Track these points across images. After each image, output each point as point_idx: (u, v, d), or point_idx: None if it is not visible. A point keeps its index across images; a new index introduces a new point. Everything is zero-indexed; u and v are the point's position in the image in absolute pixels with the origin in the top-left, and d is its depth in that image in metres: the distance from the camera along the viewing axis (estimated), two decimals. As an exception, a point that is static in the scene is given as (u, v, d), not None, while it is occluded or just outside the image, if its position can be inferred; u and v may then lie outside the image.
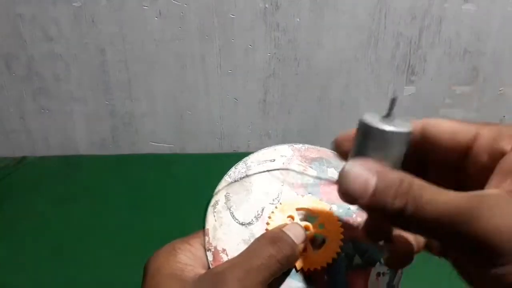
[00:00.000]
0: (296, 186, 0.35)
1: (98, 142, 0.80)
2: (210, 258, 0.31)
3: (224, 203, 0.34)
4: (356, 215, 0.33)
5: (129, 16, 0.69)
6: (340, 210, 0.33)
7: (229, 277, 0.26)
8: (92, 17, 0.69)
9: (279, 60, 0.72)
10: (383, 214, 0.21)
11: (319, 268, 0.30)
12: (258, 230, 0.32)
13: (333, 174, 0.36)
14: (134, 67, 0.73)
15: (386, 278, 0.31)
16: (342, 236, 0.31)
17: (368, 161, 0.22)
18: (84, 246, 0.53)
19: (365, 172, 0.21)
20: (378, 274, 0.31)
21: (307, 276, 0.30)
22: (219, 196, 0.35)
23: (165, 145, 0.80)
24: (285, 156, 0.37)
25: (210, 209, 0.34)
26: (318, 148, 0.38)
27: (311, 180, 0.35)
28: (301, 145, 0.39)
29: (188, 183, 0.68)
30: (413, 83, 0.73)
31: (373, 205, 0.21)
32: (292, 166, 0.36)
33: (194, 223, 0.60)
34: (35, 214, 0.61)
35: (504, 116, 0.76)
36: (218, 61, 0.72)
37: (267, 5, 0.68)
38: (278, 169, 0.36)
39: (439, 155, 0.23)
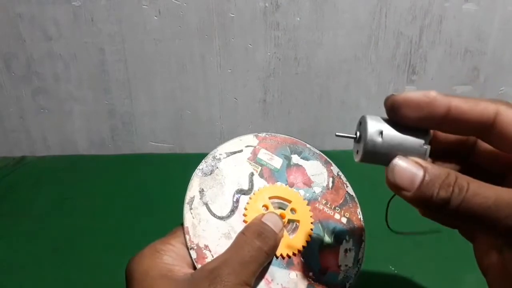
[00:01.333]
0: (265, 175, 0.37)
1: (97, 142, 0.80)
2: (194, 256, 0.31)
3: (200, 198, 0.35)
4: (321, 198, 0.36)
5: (128, 15, 0.69)
6: (307, 195, 0.36)
7: (225, 272, 0.27)
8: (91, 16, 0.69)
9: (279, 59, 0.71)
10: (428, 205, 0.22)
11: (296, 252, 0.33)
12: (236, 222, 0.34)
13: (297, 160, 0.38)
14: (133, 66, 0.73)
15: (352, 253, 0.34)
16: (312, 219, 0.34)
17: (415, 158, 0.23)
18: (84, 246, 0.53)
19: (413, 166, 0.23)
20: (346, 251, 0.34)
21: (287, 261, 0.33)
22: (194, 192, 0.36)
23: (164, 144, 0.80)
24: (252, 146, 0.39)
25: (186, 206, 0.35)
26: (282, 135, 0.41)
27: (278, 168, 0.38)
28: (265, 133, 0.42)
29: (188, 183, 0.68)
30: (414, 82, 0.73)
31: (419, 197, 0.22)
32: (259, 155, 0.38)
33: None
34: (35, 214, 0.61)
35: (504, 116, 0.76)
36: (218, 60, 0.72)
37: (267, 4, 0.68)
38: (247, 160, 0.38)
39: (464, 132, 0.24)
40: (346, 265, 0.34)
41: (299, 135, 0.78)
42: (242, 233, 0.30)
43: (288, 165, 0.39)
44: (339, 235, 0.35)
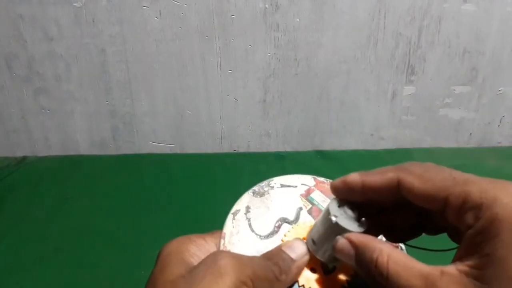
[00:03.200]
0: (314, 213, 0.37)
1: (98, 142, 0.80)
2: None
3: (244, 213, 0.36)
4: None
5: (129, 16, 0.69)
6: None
7: (230, 267, 0.26)
8: (92, 17, 0.70)
9: (279, 60, 0.72)
10: (367, 279, 0.25)
11: None
12: (272, 244, 0.33)
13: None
14: (134, 67, 0.73)
15: None
16: (353, 269, 0.32)
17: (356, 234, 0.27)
18: (84, 245, 0.53)
19: (347, 246, 0.27)
20: None
21: None
22: (240, 206, 0.37)
23: (165, 145, 0.80)
24: (307, 185, 0.40)
25: (230, 215, 0.35)
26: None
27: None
28: (323, 178, 0.42)
29: (188, 182, 0.68)
30: (413, 83, 0.73)
31: (360, 272, 0.26)
32: (312, 195, 0.39)
33: (194, 222, 0.60)
34: (36, 214, 0.61)
35: (503, 116, 0.76)
36: (218, 61, 0.72)
37: (267, 5, 0.68)
38: (299, 195, 0.38)
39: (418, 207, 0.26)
40: None
41: (299, 135, 0.79)
42: (262, 257, 0.30)
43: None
44: None
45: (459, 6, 0.68)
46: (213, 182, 0.68)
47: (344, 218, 0.28)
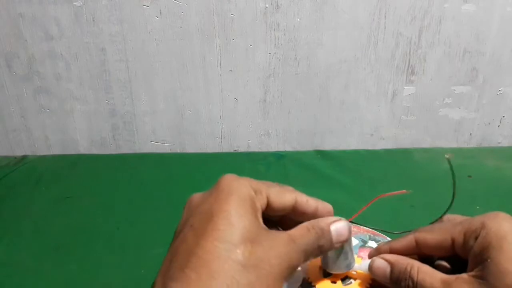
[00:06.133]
0: None
1: (98, 141, 0.80)
2: None
3: None
4: None
5: (129, 15, 0.69)
6: None
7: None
8: (92, 16, 0.70)
9: (279, 59, 0.72)
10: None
11: None
12: None
13: (373, 244, 0.43)
14: (134, 66, 0.73)
15: None
16: (369, 283, 0.36)
17: (378, 251, 0.35)
18: (84, 245, 0.53)
19: (383, 264, 0.33)
20: None
21: None
22: None
23: (165, 144, 0.80)
24: None
25: None
26: (366, 227, 0.47)
27: (355, 243, 0.43)
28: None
29: (188, 182, 0.68)
30: (413, 83, 0.73)
31: (392, 285, 0.32)
32: None
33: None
34: (35, 213, 0.61)
35: (503, 116, 0.76)
36: (219, 60, 0.72)
37: (267, 5, 0.68)
38: None
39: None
40: None
41: (299, 135, 0.79)
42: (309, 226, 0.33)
43: (363, 246, 0.43)
44: None
45: (459, 6, 0.68)
46: (213, 182, 0.68)
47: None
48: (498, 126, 0.77)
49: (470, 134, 0.78)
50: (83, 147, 0.80)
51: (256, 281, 0.26)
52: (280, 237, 0.29)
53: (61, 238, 0.55)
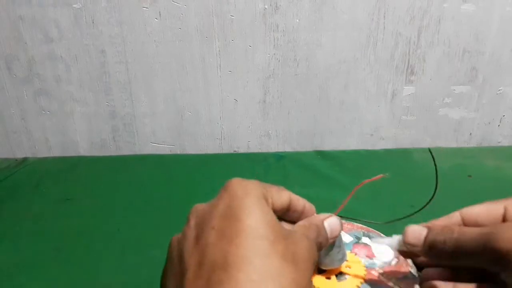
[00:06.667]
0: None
1: (98, 143, 0.80)
2: None
3: None
4: (379, 268, 0.40)
5: (129, 17, 0.69)
6: (367, 263, 0.41)
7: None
8: (92, 18, 0.70)
9: (279, 60, 0.72)
10: (433, 253, 0.32)
11: None
12: None
13: (366, 241, 0.44)
14: (134, 68, 0.73)
15: None
16: (362, 278, 0.38)
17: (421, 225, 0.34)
18: (84, 246, 0.53)
19: (418, 227, 0.33)
20: None
21: None
22: None
23: (165, 145, 0.80)
24: None
25: None
26: (360, 224, 0.49)
27: (347, 242, 0.45)
28: (344, 219, 0.47)
29: (188, 183, 0.68)
30: (412, 83, 0.73)
31: (425, 247, 0.32)
32: None
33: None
34: (36, 215, 0.61)
35: (503, 116, 0.76)
36: (218, 61, 0.72)
37: (266, 6, 0.68)
38: None
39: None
40: None
41: (298, 135, 0.79)
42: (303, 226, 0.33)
43: (357, 242, 0.45)
44: None
45: (458, 6, 0.68)
46: (214, 183, 0.68)
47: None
48: (498, 125, 0.77)
49: (470, 134, 0.78)
50: (83, 149, 0.81)
51: (299, 277, 0.26)
52: (298, 234, 0.29)
53: (62, 239, 0.55)
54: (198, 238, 0.27)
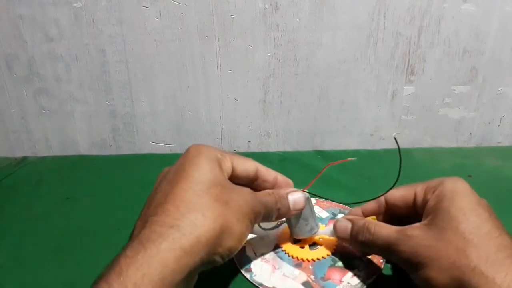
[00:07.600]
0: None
1: (98, 142, 0.80)
2: None
3: None
4: None
5: (129, 16, 0.69)
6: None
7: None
8: (92, 17, 0.70)
9: (279, 60, 0.72)
10: (357, 244, 0.37)
11: (309, 259, 0.42)
12: (273, 233, 0.46)
13: (341, 217, 0.48)
14: (134, 67, 0.73)
15: (360, 279, 0.41)
16: (334, 248, 0.44)
17: (350, 215, 0.43)
18: (84, 246, 0.53)
19: (344, 223, 0.39)
20: (354, 275, 0.41)
21: (296, 262, 0.42)
22: None
23: (165, 145, 0.80)
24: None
25: None
26: (338, 203, 0.54)
27: (323, 217, 0.51)
28: (323, 199, 0.55)
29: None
30: (412, 83, 0.73)
31: (352, 240, 0.38)
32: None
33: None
34: (36, 214, 0.61)
35: (503, 116, 0.76)
36: (218, 61, 0.72)
37: (266, 6, 0.68)
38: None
39: (400, 210, 0.40)
40: (348, 283, 0.39)
41: (299, 135, 0.79)
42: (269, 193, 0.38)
43: (332, 218, 0.51)
44: (353, 264, 0.41)
45: (459, 6, 0.68)
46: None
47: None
48: (498, 125, 0.77)
49: (470, 133, 0.78)
50: (83, 148, 0.81)
51: (227, 213, 0.30)
52: (244, 189, 0.34)
53: (62, 239, 0.55)
54: (155, 189, 0.34)
